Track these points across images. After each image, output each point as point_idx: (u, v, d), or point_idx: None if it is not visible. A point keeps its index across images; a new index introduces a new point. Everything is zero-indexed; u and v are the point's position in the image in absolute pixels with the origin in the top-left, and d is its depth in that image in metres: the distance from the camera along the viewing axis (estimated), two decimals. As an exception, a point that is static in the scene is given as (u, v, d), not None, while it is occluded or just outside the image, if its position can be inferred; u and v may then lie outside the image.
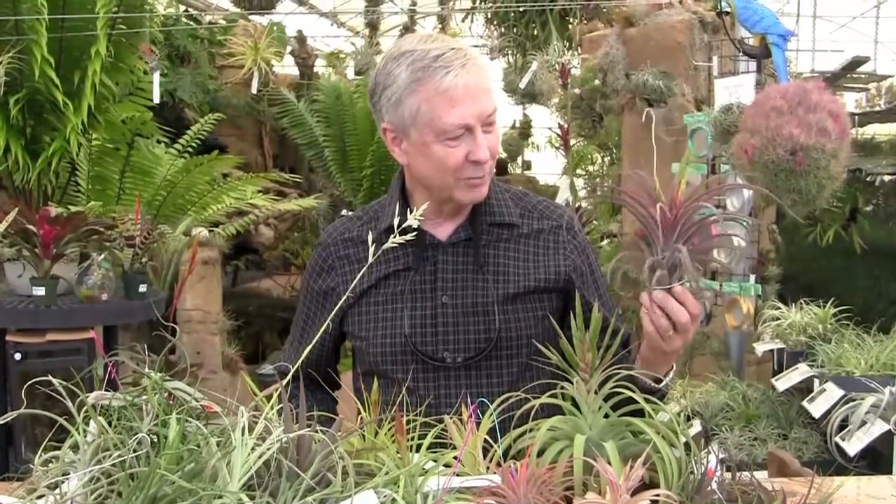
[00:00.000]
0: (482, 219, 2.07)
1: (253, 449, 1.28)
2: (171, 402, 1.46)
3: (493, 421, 1.50)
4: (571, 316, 1.65)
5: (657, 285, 1.65)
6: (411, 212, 1.57)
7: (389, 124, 1.99)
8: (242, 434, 1.28)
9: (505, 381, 2.03)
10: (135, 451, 1.32)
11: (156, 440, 1.35)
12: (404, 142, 1.98)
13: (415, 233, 1.73)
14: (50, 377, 1.42)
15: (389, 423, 1.52)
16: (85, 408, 1.40)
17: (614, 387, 1.53)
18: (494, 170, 2.02)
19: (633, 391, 1.51)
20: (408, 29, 9.07)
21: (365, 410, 1.66)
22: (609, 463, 1.33)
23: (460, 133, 1.91)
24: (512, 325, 2.03)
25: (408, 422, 1.50)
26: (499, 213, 2.09)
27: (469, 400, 1.88)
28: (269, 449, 1.28)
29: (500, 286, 2.04)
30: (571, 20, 7.89)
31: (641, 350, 1.84)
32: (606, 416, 1.52)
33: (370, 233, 1.77)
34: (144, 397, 1.43)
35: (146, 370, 1.48)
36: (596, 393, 1.53)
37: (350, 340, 2.17)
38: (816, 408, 2.80)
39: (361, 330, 2.08)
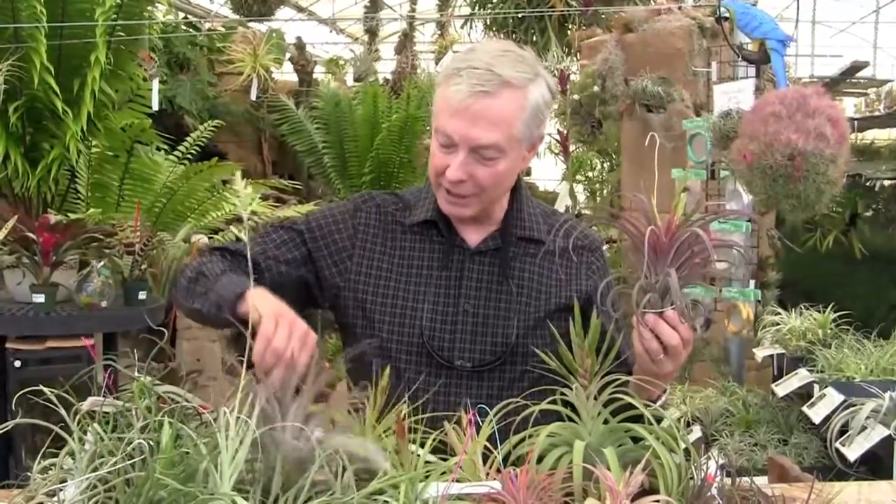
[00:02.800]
0: (512, 231, 2.07)
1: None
2: (162, 406, 1.46)
3: (493, 427, 1.50)
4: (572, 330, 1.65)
5: (648, 308, 1.65)
6: None
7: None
8: (228, 434, 1.28)
9: (515, 390, 2.02)
10: (130, 456, 1.32)
11: (150, 445, 1.35)
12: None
13: (447, 233, 1.72)
14: (49, 384, 1.42)
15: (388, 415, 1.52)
16: (79, 415, 1.40)
17: (613, 393, 1.53)
18: (486, 197, 1.97)
19: (633, 396, 1.51)
20: (406, 35, 9.09)
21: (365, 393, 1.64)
22: (608, 469, 1.33)
23: (447, 143, 1.90)
24: (528, 339, 2.01)
25: (411, 422, 1.50)
26: (528, 228, 2.09)
27: (471, 407, 1.87)
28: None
29: (524, 300, 2.03)
30: (570, 26, 7.90)
31: (633, 372, 1.82)
32: (606, 421, 1.52)
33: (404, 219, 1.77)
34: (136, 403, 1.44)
35: (136, 375, 1.48)
36: (595, 399, 1.52)
37: (352, 318, 2.11)
38: (816, 413, 2.80)
39: (374, 312, 2.05)
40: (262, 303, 1.70)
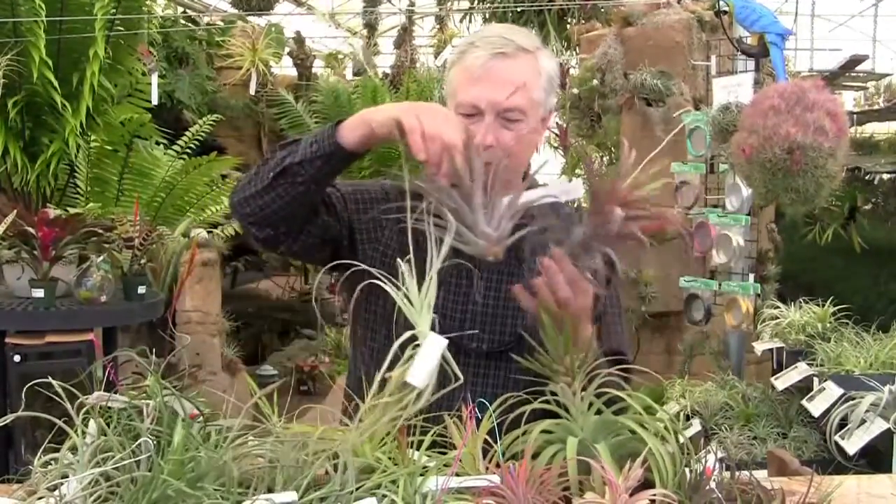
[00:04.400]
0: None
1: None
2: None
3: (493, 422, 1.50)
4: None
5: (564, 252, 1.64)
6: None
7: (447, 90, 2.04)
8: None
9: (521, 380, 2.01)
10: (135, 453, 1.32)
11: (157, 443, 1.36)
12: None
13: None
14: (49, 379, 1.42)
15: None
16: (84, 410, 1.40)
17: (601, 386, 1.53)
18: (511, 165, 1.98)
19: (625, 389, 1.51)
20: (406, 30, 9.08)
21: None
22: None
23: (472, 112, 1.92)
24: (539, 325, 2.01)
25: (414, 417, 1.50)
26: None
27: (482, 395, 1.86)
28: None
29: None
30: (569, 20, 7.89)
31: None
32: (599, 411, 1.52)
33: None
34: (145, 400, 1.44)
35: (150, 372, 1.48)
36: (583, 392, 1.53)
37: (363, 303, 2.10)
38: (816, 407, 2.80)
39: (382, 295, 2.04)
40: (379, 109, 1.77)
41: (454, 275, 2.03)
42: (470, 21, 8.79)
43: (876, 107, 8.68)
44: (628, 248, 1.62)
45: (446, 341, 1.50)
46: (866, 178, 7.75)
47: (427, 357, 1.47)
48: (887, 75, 8.43)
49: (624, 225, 1.59)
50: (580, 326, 1.71)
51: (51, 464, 1.40)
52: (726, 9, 3.69)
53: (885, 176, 7.94)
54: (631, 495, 1.24)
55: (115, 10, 4.23)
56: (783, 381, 3.07)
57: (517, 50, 1.93)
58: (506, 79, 1.91)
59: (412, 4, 9.49)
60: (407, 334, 1.51)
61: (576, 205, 1.86)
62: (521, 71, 1.94)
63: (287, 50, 8.61)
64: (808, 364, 3.04)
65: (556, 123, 5.99)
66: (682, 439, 1.44)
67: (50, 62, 3.99)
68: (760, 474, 1.68)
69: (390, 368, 1.51)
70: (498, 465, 1.41)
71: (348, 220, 2.07)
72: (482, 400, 1.56)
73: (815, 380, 2.93)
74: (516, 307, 2.01)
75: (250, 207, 1.93)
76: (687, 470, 1.40)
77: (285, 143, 2.00)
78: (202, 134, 5.72)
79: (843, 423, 2.67)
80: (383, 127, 1.75)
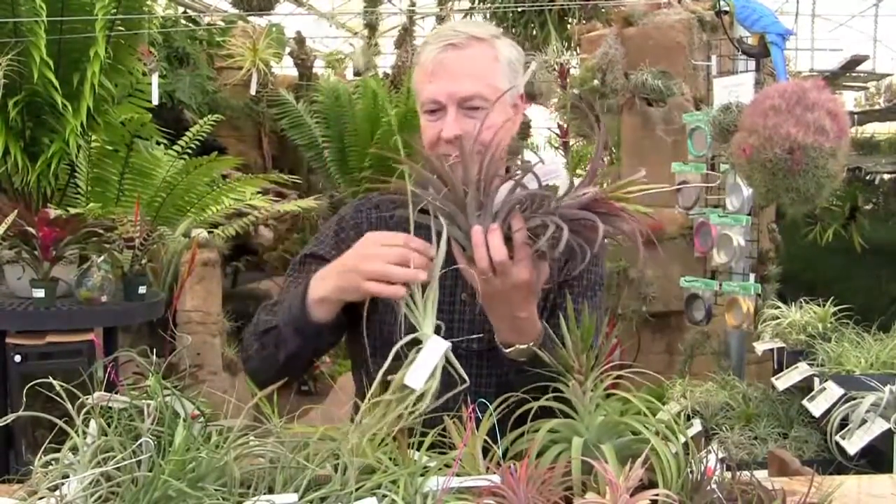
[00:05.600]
0: None
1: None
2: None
3: (493, 421, 1.50)
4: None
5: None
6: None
7: None
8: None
9: (514, 373, 2.01)
10: (135, 453, 1.32)
11: (157, 443, 1.36)
12: None
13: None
14: (50, 379, 1.42)
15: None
16: (85, 410, 1.40)
17: (610, 387, 1.53)
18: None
19: (631, 391, 1.51)
20: (406, 30, 9.08)
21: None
22: (607, 463, 1.33)
23: (434, 108, 1.93)
24: None
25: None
26: None
27: (479, 394, 1.86)
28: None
29: None
30: (570, 20, 7.89)
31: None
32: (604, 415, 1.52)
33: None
34: (146, 400, 1.43)
35: (151, 372, 1.48)
36: (592, 393, 1.52)
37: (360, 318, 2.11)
38: (816, 407, 2.79)
39: (376, 310, 2.05)
40: (324, 279, 1.80)
41: (441, 275, 2.03)
42: (473, 19, 8.80)
43: (876, 107, 8.69)
44: (589, 235, 1.59)
45: (448, 344, 1.50)
46: (867, 178, 7.74)
47: (428, 360, 1.47)
48: (888, 75, 8.44)
49: (606, 215, 1.58)
50: (517, 303, 1.71)
51: (51, 464, 1.40)
52: (727, 9, 3.69)
53: (886, 176, 7.93)
54: (632, 495, 1.24)
55: (115, 10, 4.23)
56: (784, 381, 3.07)
57: (469, 39, 1.93)
58: (459, 68, 1.92)
59: (413, 5, 9.48)
60: (408, 337, 1.52)
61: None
62: (474, 59, 1.93)
63: (288, 50, 8.61)
64: (808, 364, 3.04)
65: (557, 124, 5.98)
66: (685, 440, 1.44)
67: (51, 62, 3.98)
68: (761, 474, 1.68)
69: (393, 371, 1.51)
70: (499, 465, 1.41)
71: None
72: (482, 400, 1.55)
73: (816, 380, 2.93)
74: None
75: (265, 379, 1.90)
76: (688, 470, 1.40)
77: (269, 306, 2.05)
78: (203, 134, 5.72)
79: (843, 423, 2.67)
80: (340, 294, 1.79)
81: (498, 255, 1.62)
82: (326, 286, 1.81)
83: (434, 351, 1.48)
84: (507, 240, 1.61)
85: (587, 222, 1.56)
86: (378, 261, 1.68)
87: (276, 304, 2.04)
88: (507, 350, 1.83)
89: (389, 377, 1.49)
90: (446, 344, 1.49)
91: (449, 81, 1.91)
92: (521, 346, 1.80)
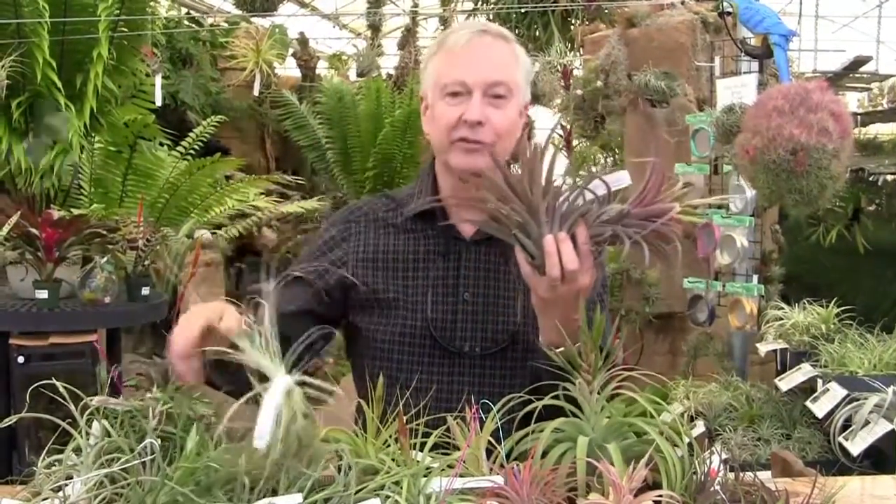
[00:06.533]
0: None
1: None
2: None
3: (497, 422, 1.50)
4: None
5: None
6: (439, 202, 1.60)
7: (422, 92, 2.08)
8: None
9: (518, 377, 2.02)
10: (140, 455, 1.32)
11: (161, 443, 1.36)
12: (428, 108, 2.05)
13: (443, 223, 1.74)
14: (53, 380, 1.42)
15: (393, 420, 1.51)
16: (88, 411, 1.41)
17: (617, 387, 1.53)
18: (498, 148, 1.97)
19: (637, 392, 1.51)
20: (409, 31, 9.08)
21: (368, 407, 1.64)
22: (612, 464, 1.33)
23: (459, 90, 1.95)
24: (532, 321, 2.01)
25: (416, 415, 1.50)
26: None
27: (482, 395, 1.87)
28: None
29: (524, 282, 2.03)
30: (573, 21, 7.90)
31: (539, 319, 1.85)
32: (609, 416, 1.52)
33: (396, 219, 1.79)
34: (151, 403, 1.44)
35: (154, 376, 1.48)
36: (599, 394, 1.52)
37: (359, 322, 2.12)
38: (820, 408, 2.79)
39: (376, 312, 2.07)
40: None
41: (438, 285, 2.03)
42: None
43: (880, 108, 8.68)
44: (656, 249, 1.63)
45: (288, 379, 1.34)
46: (870, 179, 7.73)
47: (269, 409, 1.30)
48: (891, 76, 8.42)
49: (662, 220, 1.61)
50: (573, 306, 1.72)
51: (54, 465, 1.41)
52: (730, 10, 3.68)
53: (889, 177, 7.92)
54: (636, 496, 1.24)
55: (118, 12, 4.23)
56: (787, 382, 3.06)
57: (495, 37, 1.99)
58: (491, 55, 1.96)
59: (416, 6, 9.48)
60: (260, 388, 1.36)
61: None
62: (501, 52, 1.99)
63: (291, 51, 8.60)
64: (811, 365, 3.03)
65: (560, 125, 5.98)
66: (690, 441, 1.44)
67: (53, 63, 3.99)
68: (764, 475, 1.68)
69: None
70: (502, 466, 1.41)
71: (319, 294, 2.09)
72: (486, 401, 1.56)
73: (819, 381, 2.92)
74: (507, 306, 2.02)
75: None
76: (692, 471, 1.40)
77: None
78: (206, 135, 5.71)
79: (846, 425, 2.67)
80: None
81: (571, 265, 1.65)
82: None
83: (273, 397, 1.31)
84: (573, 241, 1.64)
85: (654, 231, 1.61)
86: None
87: None
88: (557, 349, 1.82)
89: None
90: (286, 380, 1.33)
91: (478, 66, 1.94)
92: (563, 349, 1.81)
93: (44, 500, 1.34)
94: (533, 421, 1.52)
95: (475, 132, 1.94)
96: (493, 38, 1.98)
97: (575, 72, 5.91)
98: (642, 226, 1.62)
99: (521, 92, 2.02)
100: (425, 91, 2.07)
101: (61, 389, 1.39)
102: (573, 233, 1.65)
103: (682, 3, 5.07)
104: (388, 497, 1.30)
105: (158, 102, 4.99)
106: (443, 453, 1.46)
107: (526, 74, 2.04)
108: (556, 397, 1.54)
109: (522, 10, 7.84)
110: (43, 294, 3.75)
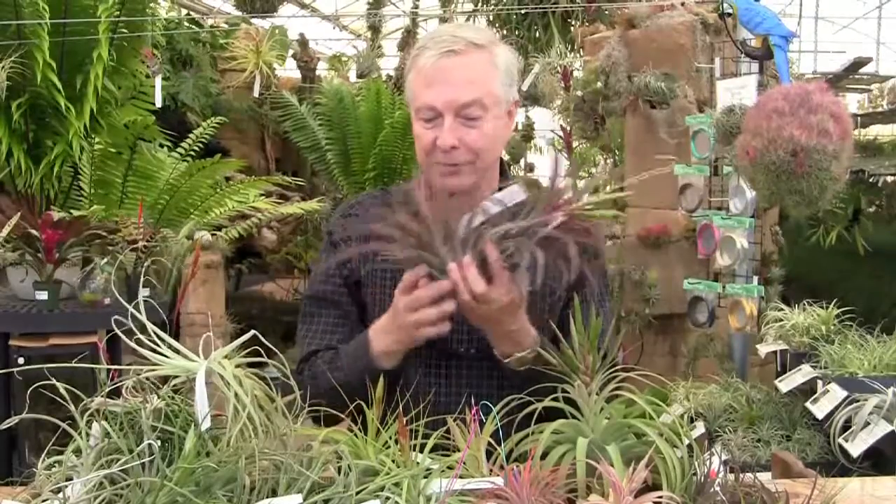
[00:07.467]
0: None
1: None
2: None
3: (497, 424, 1.50)
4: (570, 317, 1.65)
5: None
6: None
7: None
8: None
9: (515, 379, 2.01)
10: (139, 456, 1.32)
11: (161, 444, 1.36)
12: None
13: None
14: (53, 381, 1.42)
15: (392, 421, 1.51)
16: (88, 412, 1.40)
17: (615, 389, 1.53)
18: (480, 163, 1.96)
19: (636, 393, 1.51)
20: (410, 32, 9.08)
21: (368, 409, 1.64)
22: (612, 465, 1.33)
23: (431, 115, 1.92)
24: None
25: (415, 416, 1.50)
26: None
27: (480, 396, 1.87)
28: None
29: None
30: (573, 22, 7.90)
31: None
32: (608, 417, 1.52)
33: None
34: (149, 404, 1.43)
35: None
36: (598, 395, 1.52)
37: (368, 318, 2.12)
38: (820, 409, 2.79)
39: (374, 315, 2.06)
40: (386, 333, 1.89)
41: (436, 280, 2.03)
42: (474, 23, 8.80)
43: (880, 109, 8.66)
44: (558, 249, 1.64)
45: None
46: (870, 180, 7.72)
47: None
48: (891, 77, 8.41)
49: (562, 229, 1.62)
50: (506, 320, 1.77)
51: (54, 466, 1.40)
52: (730, 11, 3.69)
53: (889, 178, 7.91)
54: (636, 497, 1.24)
55: (118, 13, 4.23)
56: (787, 383, 3.07)
57: (468, 46, 1.92)
58: (459, 76, 1.90)
59: (416, 7, 9.48)
60: None
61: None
62: (474, 66, 1.92)
63: (291, 52, 8.60)
64: (811, 366, 3.04)
65: (560, 126, 5.98)
66: (690, 443, 1.44)
67: (54, 64, 3.99)
68: (764, 476, 1.68)
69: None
70: (502, 468, 1.41)
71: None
72: (486, 402, 1.55)
73: (819, 382, 2.92)
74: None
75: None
76: (692, 473, 1.40)
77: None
78: (206, 136, 5.72)
79: (846, 426, 2.67)
80: (401, 346, 1.88)
81: (478, 288, 1.67)
82: (387, 341, 1.88)
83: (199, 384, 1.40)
84: (483, 262, 1.66)
85: (557, 241, 1.63)
86: (417, 315, 1.78)
87: (314, 355, 2.14)
88: (507, 360, 1.85)
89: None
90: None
91: (447, 89, 1.90)
92: (519, 355, 1.82)
93: (44, 501, 1.34)
94: (532, 422, 1.51)
95: (449, 156, 1.92)
96: (462, 56, 1.91)
97: (575, 73, 5.92)
98: (548, 233, 1.64)
99: (501, 99, 1.97)
100: (409, 100, 2.06)
101: (61, 390, 1.39)
102: (483, 255, 1.66)
103: (683, 4, 5.06)
104: (388, 498, 1.30)
105: (158, 104, 5.00)
106: (443, 455, 1.46)
107: (506, 77, 1.97)
108: (556, 399, 1.54)
109: (523, 12, 7.84)
110: (43, 295, 3.75)
